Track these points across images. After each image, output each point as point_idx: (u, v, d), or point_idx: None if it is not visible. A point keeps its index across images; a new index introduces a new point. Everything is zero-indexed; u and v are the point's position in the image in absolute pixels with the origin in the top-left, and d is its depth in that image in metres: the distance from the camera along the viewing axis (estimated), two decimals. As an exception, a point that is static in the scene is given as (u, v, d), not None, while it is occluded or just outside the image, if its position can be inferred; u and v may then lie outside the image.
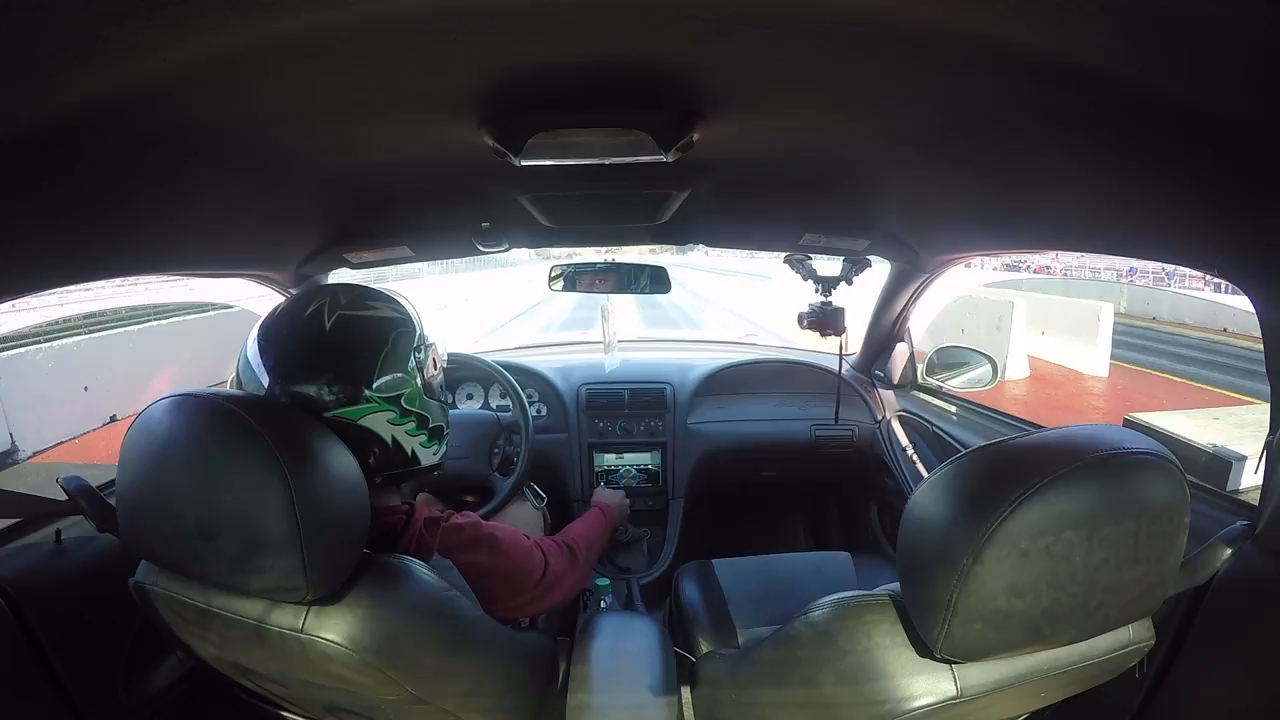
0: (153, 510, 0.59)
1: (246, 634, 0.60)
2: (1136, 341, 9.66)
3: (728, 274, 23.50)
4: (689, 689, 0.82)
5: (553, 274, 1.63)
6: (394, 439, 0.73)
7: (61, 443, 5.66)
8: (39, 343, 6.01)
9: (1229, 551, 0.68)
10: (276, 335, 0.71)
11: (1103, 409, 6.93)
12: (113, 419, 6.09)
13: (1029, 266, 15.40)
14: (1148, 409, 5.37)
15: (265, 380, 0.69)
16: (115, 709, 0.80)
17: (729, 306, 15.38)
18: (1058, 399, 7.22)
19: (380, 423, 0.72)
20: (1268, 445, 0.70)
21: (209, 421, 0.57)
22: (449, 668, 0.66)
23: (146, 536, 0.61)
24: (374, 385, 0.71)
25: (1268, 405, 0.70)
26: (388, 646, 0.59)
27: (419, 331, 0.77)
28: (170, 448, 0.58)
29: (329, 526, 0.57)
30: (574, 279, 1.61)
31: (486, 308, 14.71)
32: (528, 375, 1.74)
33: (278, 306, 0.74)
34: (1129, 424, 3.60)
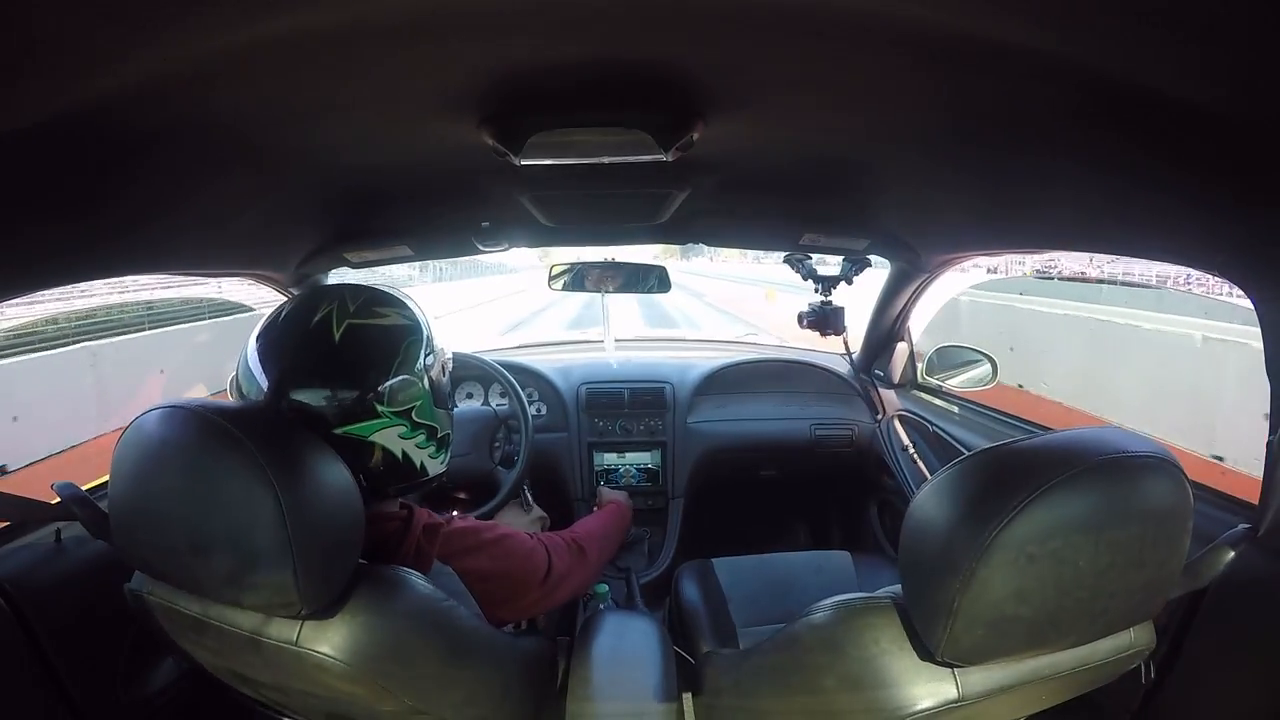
0: (144, 523, 0.58)
1: (242, 644, 0.59)
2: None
3: (755, 283, 19.05)
4: (689, 690, 0.82)
5: (553, 273, 1.63)
6: (404, 453, 0.71)
7: (53, 455, 5.49)
8: (33, 351, 5.90)
9: (1231, 554, 0.68)
10: (280, 343, 0.69)
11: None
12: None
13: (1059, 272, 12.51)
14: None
15: (265, 385, 0.67)
16: (115, 708, 0.79)
17: (757, 324, 10.71)
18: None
19: (391, 438, 0.69)
20: (1268, 445, 0.70)
21: (197, 435, 0.56)
22: (446, 678, 0.65)
23: (139, 549, 0.60)
24: (385, 400, 0.69)
25: None
26: (383, 659, 0.58)
27: (428, 337, 0.75)
28: (160, 461, 0.57)
29: (322, 540, 0.55)
30: (574, 279, 1.61)
31: (486, 317, 14.12)
32: (527, 374, 1.73)
33: (280, 310, 0.72)
34: None
